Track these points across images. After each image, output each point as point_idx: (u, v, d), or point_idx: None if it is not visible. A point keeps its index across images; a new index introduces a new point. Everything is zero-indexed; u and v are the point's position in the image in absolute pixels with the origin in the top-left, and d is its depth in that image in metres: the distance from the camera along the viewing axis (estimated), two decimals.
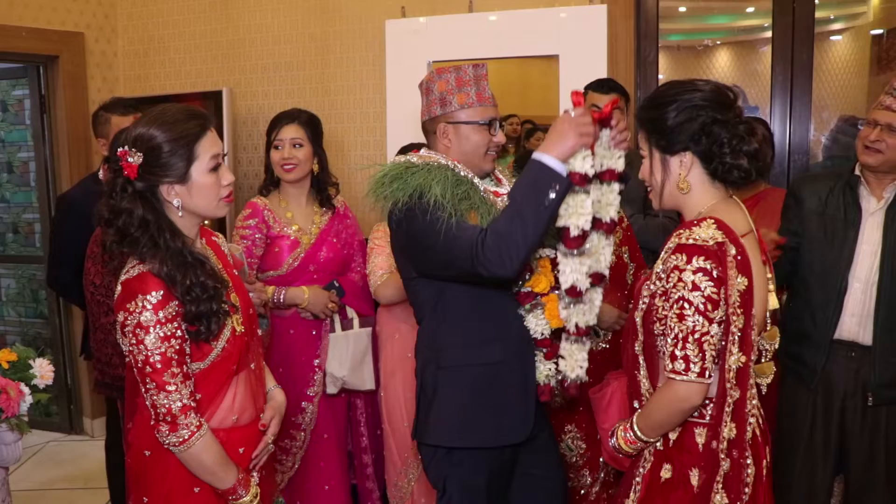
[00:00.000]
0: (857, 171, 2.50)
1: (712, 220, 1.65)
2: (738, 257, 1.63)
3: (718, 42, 4.34)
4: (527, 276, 2.04)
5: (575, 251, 1.86)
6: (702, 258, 1.59)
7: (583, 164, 1.78)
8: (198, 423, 1.71)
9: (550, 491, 2.22)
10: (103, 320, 2.60)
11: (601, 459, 2.56)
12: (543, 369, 2.08)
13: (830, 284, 2.45)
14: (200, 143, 1.73)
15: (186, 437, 1.70)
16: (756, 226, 1.82)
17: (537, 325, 2.05)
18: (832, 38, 4.09)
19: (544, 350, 2.08)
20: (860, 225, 2.44)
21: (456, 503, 2.07)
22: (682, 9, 4.30)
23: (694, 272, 1.59)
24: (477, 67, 2.08)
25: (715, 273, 1.59)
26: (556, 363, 2.07)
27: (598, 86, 3.07)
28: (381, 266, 2.80)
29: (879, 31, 3.95)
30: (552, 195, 1.76)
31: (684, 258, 1.61)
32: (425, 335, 2.12)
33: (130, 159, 1.69)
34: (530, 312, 2.05)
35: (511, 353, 2.06)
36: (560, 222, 1.84)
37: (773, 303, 1.78)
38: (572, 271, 1.89)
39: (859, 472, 2.49)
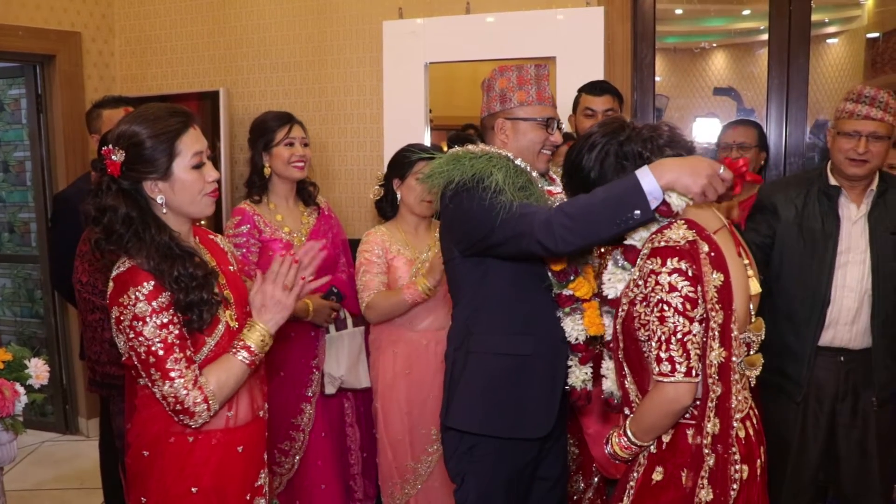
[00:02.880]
0: (833, 181, 2.49)
1: (682, 221, 1.68)
2: (712, 254, 1.65)
3: (715, 44, 4.35)
4: (571, 278, 2.05)
5: (628, 265, 1.80)
6: (676, 259, 1.61)
7: (679, 202, 1.68)
8: (203, 396, 1.71)
9: (556, 497, 2.25)
10: (90, 318, 2.60)
11: (594, 466, 2.57)
12: (580, 374, 2.09)
13: (813, 296, 2.45)
14: (182, 140, 1.75)
15: (206, 409, 1.72)
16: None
17: (574, 328, 2.06)
18: (828, 41, 4.11)
19: (579, 355, 2.09)
20: (839, 234, 2.44)
21: (473, 500, 2.09)
22: (679, 11, 4.31)
23: (669, 273, 1.61)
24: (539, 67, 2.12)
25: (690, 272, 1.61)
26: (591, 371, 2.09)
27: (592, 88, 3.09)
28: (369, 286, 2.76)
29: (875, 35, 3.97)
30: (630, 219, 1.67)
31: (659, 261, 1.63)
32: (460, 318, 2.15)
33: (114, 157, 1.71)
34: (569, 316, 2.06)
35: (542, 349, 2.07)
36: (629, 240, 1.77)
37: (755, 288, 1.79)
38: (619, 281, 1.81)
39: (852, 476, 2.50)
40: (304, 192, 3.00)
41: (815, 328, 2.45)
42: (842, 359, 2.47)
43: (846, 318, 2.45)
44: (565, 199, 2.07)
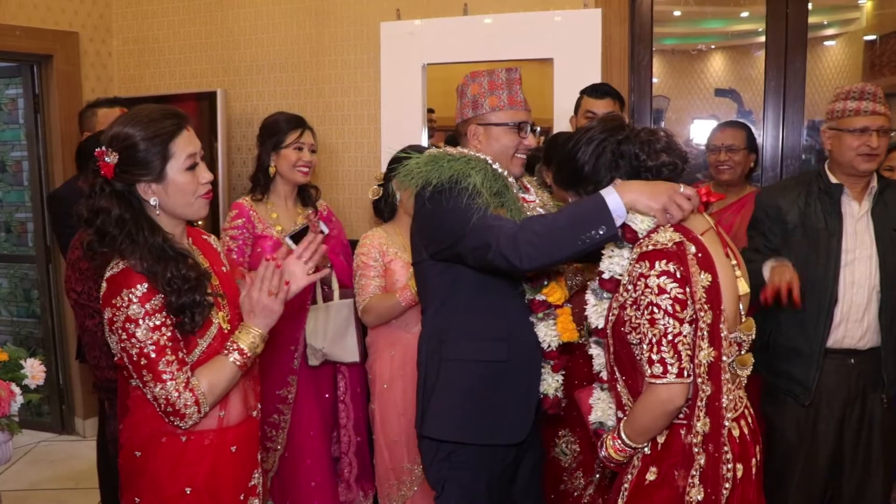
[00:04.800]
0: (834, 180, 2.49)
1: (669, 225, 1.70)
2: (699, 255, 1.67)
3: (713, 46, 4.35)
4: (544, 283, 2.05)
5: (608, 294, 1.83)
6: (664, 261, 1.63)
7: (642, 226, 1.72)
8: (194, 398, 1.71)
9: (534, 492, 2.25)
10: (88, 323, 2.58)
11: (596, 462, 2.57)
12: (552, 381, 2.10)
13: (821, 296, 2.43)
14: (175, 142, 1.74)
15: (197, 411, 1.72)
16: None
17: (547, 334, 2.06)
18: (826, 43, 4.11)
19: (552, 362, 2.09)
20: (843, 232, 2.44)
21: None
22: (677, 13, 4.31)
23: (658, 276, 1.62)
24: (510, 72, 2.11)
25: (678, 274, 1.62)
26: (563, 376, 2.11)
27: (593, 91, 3.09)
28: (365, 289, 2.77)
29: (872, 37, 3.97)
30: (595, 235, 1.71)
31: (647, 264, 1.64)
32: (432, 324, 2.14)
33: (107, 159, 1.71)
34: (542, 321, 2.07)
35: (517, 354, 2.07)
36: (602, 266, 1.79)
37: (743, 287, 1.80)
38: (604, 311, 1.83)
39: (855, 477, 2.50)
40: (305, 194, 3.03)
41: (823, 327, 2.44)
42: (852, 361, 2.46)
43: (856, 315, 2.45)
44: (539, 208, 2.09)
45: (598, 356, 1.87)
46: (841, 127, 2.44)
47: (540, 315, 2.06)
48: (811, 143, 3.69)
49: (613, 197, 1.70)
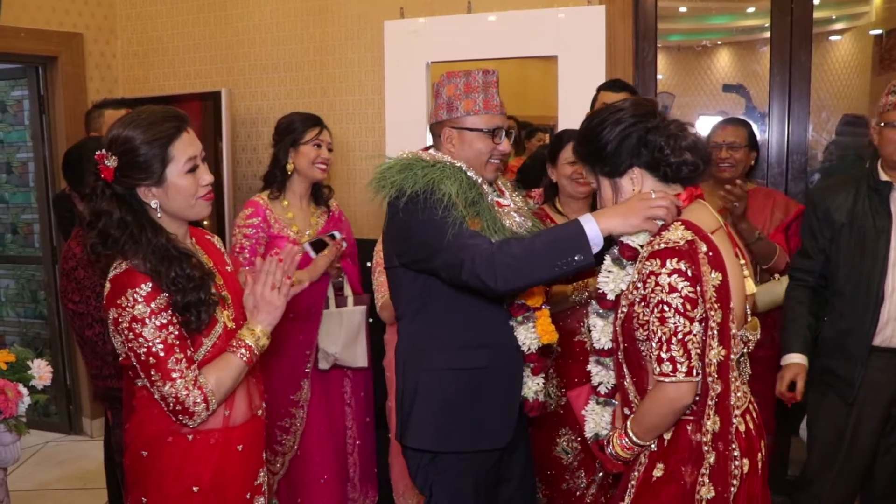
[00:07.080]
0: (883, 177, 2.45)
1: (679, 223, 1.69)
2: (710, 253, 1.65)
3: (718, 42, 4.33)
4: None
5: (610, 312, 1.82)
6: (675, 259, 1.62)
7: (638, 242, 1.73)
8: (203, 396, 1.72)
9: (525, 496, 2.24)
10: (88, 333, 2.54)
11: (598, 462, 2.56)
12: (532, 385, 2.09)
13: (867, 295, 2.41)
14: (175, 145, 1.73)
15: (205, 409, 1.73)
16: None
17: (526, 337, 2.04)
18: (832, 38, 4.08)
19: (531, 365, 2.08)
20: (891, 231, 2.40)
21: None
22: (683, 9, 4.29)
23: (669, 274, 1.61)
24: (487, 74, 2.06)
25: (689, 272, 1.61)
26: (545, 380, 2.11)
27: (612, 85, 3.09)
28: (383, 286, 2.76)
29: (880, 32, 3.94)
30: (571, 262, 1.73)
31: (658, 262, 1.63)
32: (408, 333, 2.11)
33: (107, 162, 1.70)
34: (521, 325, 2.05)
35: (497, 360, 2.04)
36: (602, 287, 1.79)
37: (750, 287, 1.79)
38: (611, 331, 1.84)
39: (886, 477, 2.50)
40: (318, 193, 3.05)
41: (869, 327, 2.41)
42: None
43: None
44: (514, 212, 2.06)
45: (598, 374, 1.87)
46: (883, 121, 2.41)
47: (519, 318, 2.04)
48: (816, 139, 3.67)
49: (591, 225, 1.73)
